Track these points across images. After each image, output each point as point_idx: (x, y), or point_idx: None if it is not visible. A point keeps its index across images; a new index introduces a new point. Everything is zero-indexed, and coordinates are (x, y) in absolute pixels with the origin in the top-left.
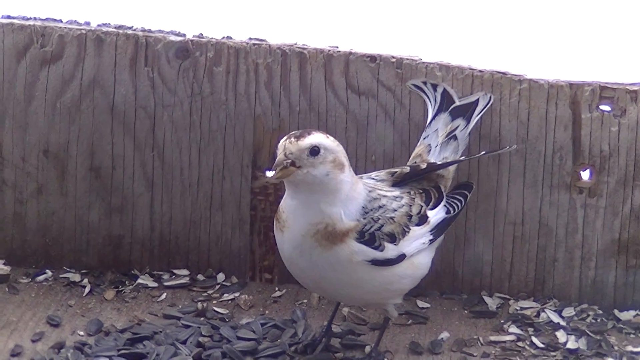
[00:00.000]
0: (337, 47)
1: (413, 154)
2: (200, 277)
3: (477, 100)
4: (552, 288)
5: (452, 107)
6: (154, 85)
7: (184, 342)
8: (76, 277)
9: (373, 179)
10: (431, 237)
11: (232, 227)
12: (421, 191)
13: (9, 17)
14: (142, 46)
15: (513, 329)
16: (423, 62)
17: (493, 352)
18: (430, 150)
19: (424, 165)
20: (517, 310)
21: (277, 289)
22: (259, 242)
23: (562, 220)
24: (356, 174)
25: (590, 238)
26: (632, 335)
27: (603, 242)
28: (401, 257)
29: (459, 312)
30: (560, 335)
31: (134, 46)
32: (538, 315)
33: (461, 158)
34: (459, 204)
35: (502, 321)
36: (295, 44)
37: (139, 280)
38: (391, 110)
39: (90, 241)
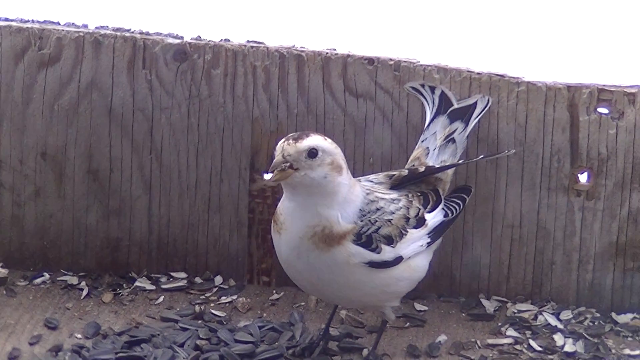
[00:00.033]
0: (335, 50)
1: (411, 157)
2: (198, 279)
3: (476, 102)
4: (550, 291)
5: (451, 109)
6: (152, 88)
7: (181, 345)
8: (74, 280)
9: (371, 181)
10: (429, 240)
11: (229, 230)
12: (419, 194)
13: (6, 19)
14: (139, 49)
15: (510, 332)
16: (421, 65)
17: (490, 355)
18: (428, 153)
19: (422, 169)
20: (514, 313)
21: (274, 291)
22: (256, 245)
23: (560, 223)
24: (354, 177)
25: (588, 241)
26: (629, 338)
27: (601, 245)
28: (398, 260)
29: (457, 315)
30: (558, 338)
31: (132, 49)
32: (535, 318)
33: (459, 162)
34: (457, 207)
35: (499, 324)
36: (293, 46)
37: (137, 283)
38: (389, 113)
39: (88, 244)
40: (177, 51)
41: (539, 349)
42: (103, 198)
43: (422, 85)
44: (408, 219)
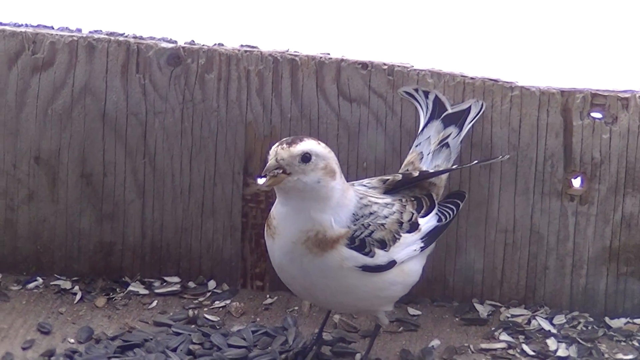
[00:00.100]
0: (329, 54)
1: (405, 162)
2: (192, 284)
3: (469, 107)
4: (543, 295)
5: (445, 114)
6: (146, 92)
7: (174, 350)
8: (67, 285)
9: (364, 185)
10: (422, 245)
11: (223, 234)
12: (413, 199)
13: (0, 23)
14: (133, 53)
15: (504, 336)
16: (415, 69)
17: (484, 359)
18: (422, 158)
19: (416, 173)
20: (508, 317)
21: (268, 296)
22: (250, 250)
23: (554, 228)
24: (347, 181)
25: (581, 245)
26: (622, 343)
27: (594, 250)
28: (391, 264)
29: (450, 320)
30: (551, 343)
31: (126, 53)
32: (529, 322)
33: (453, 167)
34: (450, 212)
35: (493, 329)
36: (287, 50)
37: (130, 288)
38: (383, 117)
39: (81, 248)
40: (171, 55)
41: (532, 353)
42: (96, 202)
43: (416, 90)
44: (401, 223)
